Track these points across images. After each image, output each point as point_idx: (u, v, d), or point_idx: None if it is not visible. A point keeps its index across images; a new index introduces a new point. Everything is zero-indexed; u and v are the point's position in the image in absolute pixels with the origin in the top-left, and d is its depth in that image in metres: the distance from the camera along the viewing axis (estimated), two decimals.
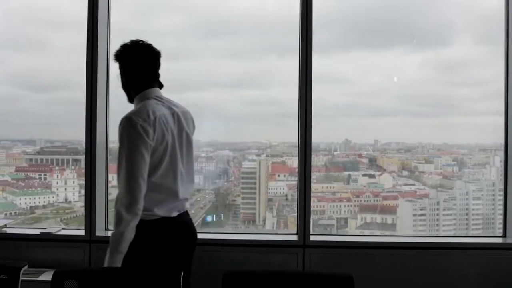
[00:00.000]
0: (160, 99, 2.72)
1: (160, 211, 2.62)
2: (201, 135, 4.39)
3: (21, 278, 2.42)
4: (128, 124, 2.51)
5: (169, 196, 2.66)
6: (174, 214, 2.69)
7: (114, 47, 3.68)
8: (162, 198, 2.63)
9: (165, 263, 2.55)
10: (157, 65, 2.76)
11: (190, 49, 4.13)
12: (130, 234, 2.49)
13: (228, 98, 4.29)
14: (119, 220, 2.48)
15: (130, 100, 2.77)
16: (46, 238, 3.62)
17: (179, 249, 2.72)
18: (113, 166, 4.02)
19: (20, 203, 4.42)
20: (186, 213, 2.81)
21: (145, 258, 2.56)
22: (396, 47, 4.17)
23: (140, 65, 2.71)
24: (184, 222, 2.78)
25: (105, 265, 2.52)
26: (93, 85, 3.61)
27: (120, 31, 3.76)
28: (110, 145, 3.82)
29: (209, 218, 4.38)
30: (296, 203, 3.85)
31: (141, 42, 2.73)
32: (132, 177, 2.50)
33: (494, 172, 4.19)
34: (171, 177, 2.65)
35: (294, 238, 3.64)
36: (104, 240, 3.61)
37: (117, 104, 3.80)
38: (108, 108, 3.78)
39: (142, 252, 2.57)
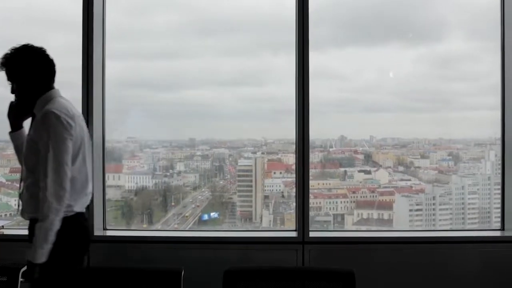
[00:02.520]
0: (65, 99, 2.73)
1: (76, 206, 2.65)
2: (197, 133, 4.40)
3: (20, 279, 2.42)
4: (53, 118, 2.52)
5: (83, 189, 2.71)
6: (84, 209, 2.75)
7: (110, 46, 3.70)
8: (78, 192, 2.66)
9: (76, 261, 2.62)
10: (54, 66, 2.75)
11: (185, 48, 4.11)
12: (58, 224, 2.47)
13: (223, 96, 4.28)
14: (49, 210, 2.44)
15: (28, 106, 2.71)
16: None
17: (87, 245, 2.77)
18: (110, 165, 4.01)
19: (15, 204, 4.37)
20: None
21: (65, 256, 2.55)
22: (391, 43, 4.18)
23: (43, 65, 2.70)
24: (87, 219, 2.86)
25: (35, 259, 2.43)
26: (89, 84, 3.58)
27: (116, 30, 3.75)
28: (107, 144, 3.80)
29: (205, 217, 4.37)
30: (292, 200, 3.85)
31: (31, 44, 2.71)
32: (61, 168, 2.50)
33: (490, 166, 4.21)
34: (84, 171, 2.70)
35: (293, 234, 3.64)
36: (102, 239, 3.62)
37: (113, 104, 3.79)
38: (104, 108, 3.75)
39: (64, 250, 2.53)
